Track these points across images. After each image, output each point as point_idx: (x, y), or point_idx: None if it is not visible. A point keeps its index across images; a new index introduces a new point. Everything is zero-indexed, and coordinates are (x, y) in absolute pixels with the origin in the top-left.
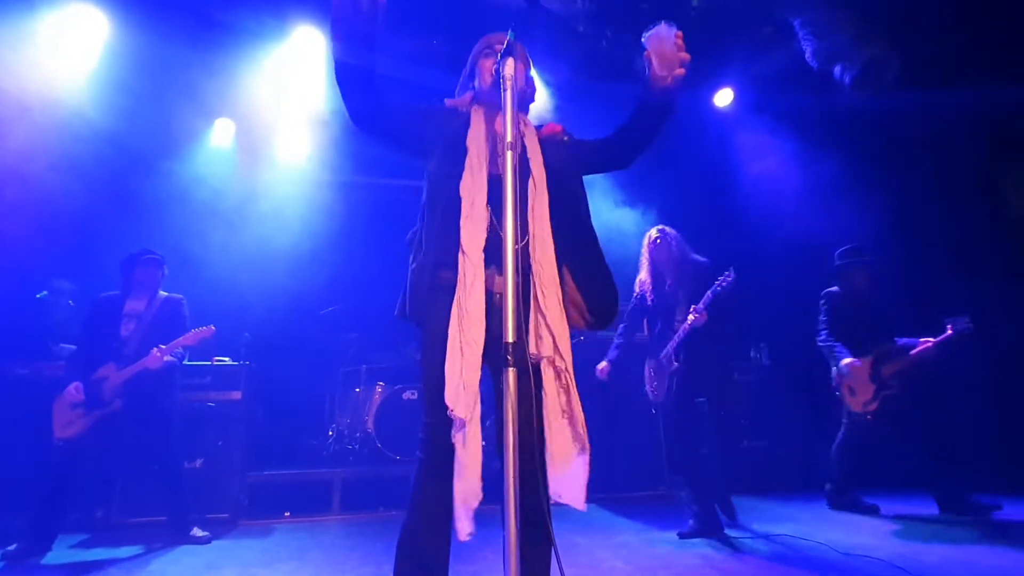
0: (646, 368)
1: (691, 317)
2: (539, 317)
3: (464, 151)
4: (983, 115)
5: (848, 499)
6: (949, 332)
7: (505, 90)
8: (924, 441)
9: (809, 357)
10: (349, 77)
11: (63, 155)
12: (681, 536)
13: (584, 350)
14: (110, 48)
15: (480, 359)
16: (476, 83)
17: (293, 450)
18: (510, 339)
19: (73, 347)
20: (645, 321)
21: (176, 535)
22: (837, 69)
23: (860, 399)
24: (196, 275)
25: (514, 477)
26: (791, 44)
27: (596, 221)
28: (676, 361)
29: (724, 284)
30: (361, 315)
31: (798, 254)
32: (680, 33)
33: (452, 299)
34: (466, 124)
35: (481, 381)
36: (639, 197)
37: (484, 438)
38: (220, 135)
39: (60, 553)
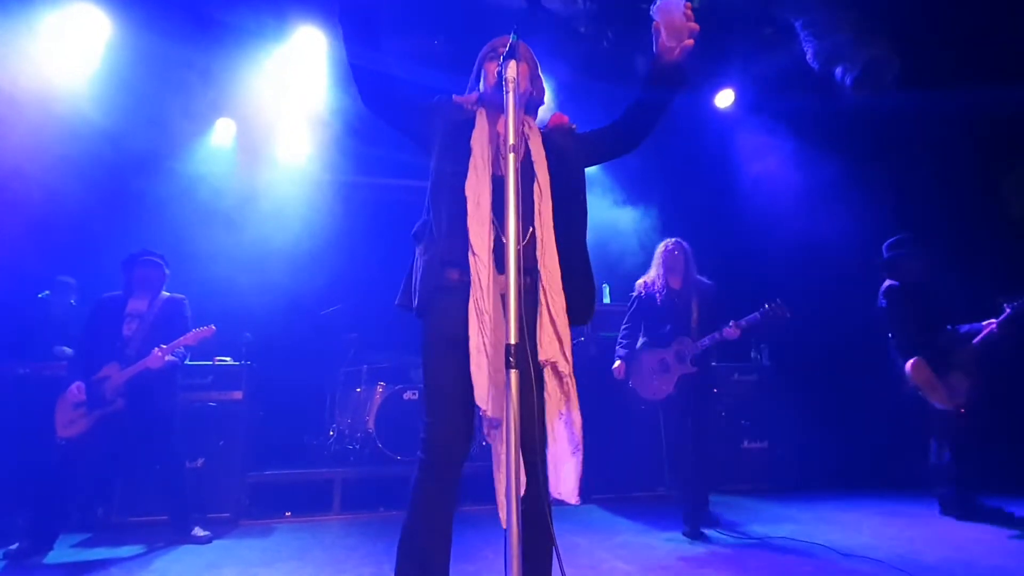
0: (642, 364)
1: (729, 330)
2: (547, 322)
3: (468, 151)
4: (983, 115)
5: (973, 507)
6: (1008, 311)
7: (507, 92)
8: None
9: (809, 357)
10: (357, 42)
11: (64, 154)
12: (687, 535)
13: (584, 350)
14: (111, 48)
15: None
16: (482, 86)
17: (294, 450)
18: (513, 341)
19: (71, 351)
20: (643, 321)
21: (177, 534)
22: (838, 70)
23: (942, 394)
24: (196, 275)
25: (515, 478)
26: (792, 45)
27: (595, 219)
28: (694, 365)
29: (774, 312)
30: (362, 315)
31: (798, 254)
32: (689, 3)
33: (454, 299)
34: (471, 123)
35: None
36: (639, 196)
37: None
38: (221, 135)
39: (61, 552)
